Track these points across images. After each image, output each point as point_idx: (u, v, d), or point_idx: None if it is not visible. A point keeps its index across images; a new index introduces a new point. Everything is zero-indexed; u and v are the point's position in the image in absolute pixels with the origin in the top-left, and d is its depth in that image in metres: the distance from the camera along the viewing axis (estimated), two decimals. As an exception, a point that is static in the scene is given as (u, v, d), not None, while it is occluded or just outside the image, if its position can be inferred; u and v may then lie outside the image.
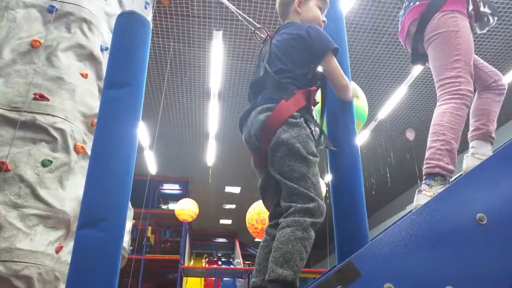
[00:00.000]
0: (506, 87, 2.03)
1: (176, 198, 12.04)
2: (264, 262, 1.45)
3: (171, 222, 11.89)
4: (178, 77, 7.60)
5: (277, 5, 1.91)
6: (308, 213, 1.35)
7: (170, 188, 13.43)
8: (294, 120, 1.49)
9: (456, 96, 1.71)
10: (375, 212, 14.50)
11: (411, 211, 1.30)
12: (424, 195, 1.58)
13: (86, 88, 3.08)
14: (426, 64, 2.08)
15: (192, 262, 16.29)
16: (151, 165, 10.49)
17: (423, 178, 1.66)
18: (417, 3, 1.98)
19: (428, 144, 1.70)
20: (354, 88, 1.80)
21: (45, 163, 2.67)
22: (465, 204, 0.83)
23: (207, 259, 16.93)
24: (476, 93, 2.04)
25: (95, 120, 3.17)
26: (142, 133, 8.53)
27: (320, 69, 1.71)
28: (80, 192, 2.83)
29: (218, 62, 6.43)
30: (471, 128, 2.01)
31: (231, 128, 9.13)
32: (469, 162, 1.90)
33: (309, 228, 1.33)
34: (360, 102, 3.76)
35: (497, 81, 1.99)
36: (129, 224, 3.69)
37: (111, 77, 1.39)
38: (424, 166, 1.68)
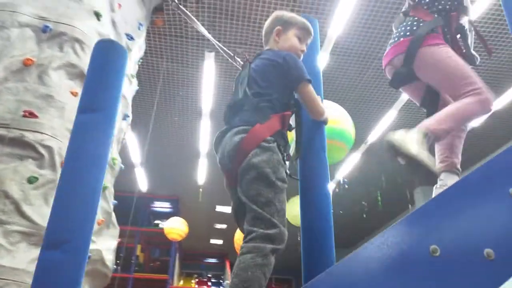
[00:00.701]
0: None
1: (166, 216, 11.97)
2: None
3: (160, 241, 11.80)
4: (171, 96, 7.67)
5: (262, 33, 1.99)
6: (269, 239, 1.36)
7: (161, 206, 13.36)
8: (267, 145, 1.52)
9: (475, 93, 1.91)
10: (366, 237, 14.46)
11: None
12: None
13: (75, 106, 3.10)
14: (400, 89, 2.35)
15: (181, 282, 16.10)
16: (142, 183, 10.47)
17: None
18: (401, 39, 2.20)
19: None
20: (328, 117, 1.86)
21: (31, 180, 2.69)
22: (419, 235, 0.86)
23: (197, 280, 16.74)
24: None
25: (84, 138, 3.22)
26: (134, 150, 8.55)
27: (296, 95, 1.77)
28: (65, 209, 2.85)
29: (210, 82, 6.52)
30: (437, 161, 2.12)
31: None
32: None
33: (270, 254, 1.33)
34: (346, 126, 3.83)
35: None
36: (114, 243, 3.69)
37: (84, 102, 1.45)
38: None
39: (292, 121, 1.77)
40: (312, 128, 1.81)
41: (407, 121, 8.06)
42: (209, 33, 6.33)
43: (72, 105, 3.09)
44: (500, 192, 0.85)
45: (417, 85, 2.23)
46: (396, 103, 7.41)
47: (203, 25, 6.18)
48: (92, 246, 3.19)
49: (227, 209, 13.63)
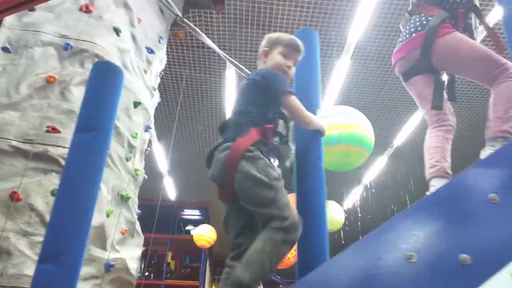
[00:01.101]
0: (452, 123, 2.14)
1: (196, 223, 12.13)
2: None
3: (191, 248, 11.95)
4: (196, 106, 7.80)
5: None
6: (283, 231, 1.43)
7: (190, 213, 13.54)
8: (250, 154, 1.60)
9: None
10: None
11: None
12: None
13: (97, 120, 3.23)
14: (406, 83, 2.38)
15: (213, 288, 16.23)
16: (170, 191, 10.64)
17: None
18: (414, 35, 2.25)
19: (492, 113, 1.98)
20: (322, 126, 1.87)
21: (54, 192, 2.80)
22: (396, 242, 0.86)
23: (228, 286, 16.79)
24: (428, 130, 2.21)
25: (105, 150, 3.33)
26: (161, 159, 8.72)
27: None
28: (88, 220, 2.95)
29: (232, 91, 6.59)
30: (427, 166, 2.10)
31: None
32: None
33: (280, 244, 1.41)
34: (365, 132, 3.80)
35: (444, 116, 2.14)
36: (138, 251, 3.78)
37: (82, 121, 1.51)
38: (487, 131, 1.97)
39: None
40: (308, 139, 1.82)
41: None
42: (230, 41, 6.43)
43: (93, 119, 3.21)
44: (479, 197, 0.84)
45: (429, 77, 2.24)
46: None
47: (224, 34, 6.28)
48: (116, 255, 3.29)
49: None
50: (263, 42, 2.01)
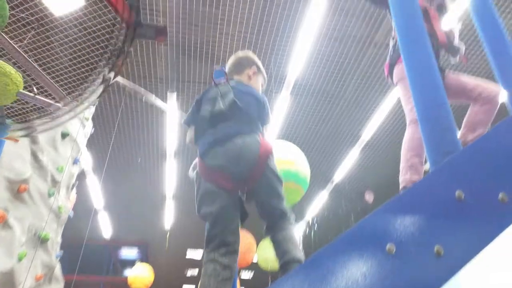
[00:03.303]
0: (493, 95, 2.16)
1: (134, 264, 11.49)
2: None
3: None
4: (135, 136, 7.50)
5: (233, 59, 2.10)
6: (294, 221, 1.71)
7: (129, 253, 12.84)
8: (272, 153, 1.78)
9: (412, 122, 2.15)
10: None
11: None
12: None
13: (15, 152, 2.95)
14: None
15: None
16: (106, 229, 10.08)
17: None
18: (386, 62, 2.53)
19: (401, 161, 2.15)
20: None
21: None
22: None
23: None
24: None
25: (23, 185, 3.01)
26: (96, 194, 8.26)
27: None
28: (-4, 264, 2.61)
29: (173, 123, 6.42)
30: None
31: (189, 188, 8.97)
32: None
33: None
34: (301, 168, 3.75)
35: (480, 93, 2.20)
36: (58, 298, 3.42)
37: None
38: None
39: None
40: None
41: (371, 160, 8.10)
42: (173, 71, 6.29)
43: (11, 151, 2.92)
44: (376, 248, 0.78)
45: None
46: (358, 141, 7.46)
47: (166, 64, 6.15)
48: (28, 304, 2.93)
49: (199, 254, 13.21)
50: (250, 57, 2.07)
